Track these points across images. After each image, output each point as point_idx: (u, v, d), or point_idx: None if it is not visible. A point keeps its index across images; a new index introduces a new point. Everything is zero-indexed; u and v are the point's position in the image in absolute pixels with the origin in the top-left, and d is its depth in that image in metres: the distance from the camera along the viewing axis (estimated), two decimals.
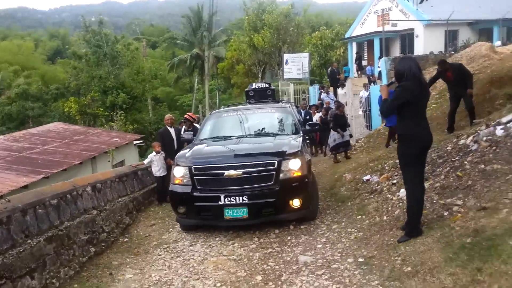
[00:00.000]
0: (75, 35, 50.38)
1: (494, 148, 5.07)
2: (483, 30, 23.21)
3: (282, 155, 5.38)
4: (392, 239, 4.36)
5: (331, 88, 17.61)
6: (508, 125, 5.33)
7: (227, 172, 5.24)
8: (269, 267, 4.41)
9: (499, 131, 5.32)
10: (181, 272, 4.52)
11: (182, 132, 8.17)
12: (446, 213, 4.30)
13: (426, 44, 21.07)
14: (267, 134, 6.46)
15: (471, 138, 5.72)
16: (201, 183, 5.39)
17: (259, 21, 29.85)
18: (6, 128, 28.70)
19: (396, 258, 3.92)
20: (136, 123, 27.09)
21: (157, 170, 7.85)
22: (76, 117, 26.44)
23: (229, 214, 5.22)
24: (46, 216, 4.67)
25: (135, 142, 17.02)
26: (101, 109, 26.39)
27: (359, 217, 5.48)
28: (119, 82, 28.85)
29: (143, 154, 20.39)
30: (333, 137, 10.28)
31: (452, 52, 15.81)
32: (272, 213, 5.34)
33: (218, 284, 4.12)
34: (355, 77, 24.08)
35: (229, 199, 5.18)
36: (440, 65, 8.50)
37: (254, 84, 9.76)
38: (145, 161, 8.21)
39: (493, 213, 3.82)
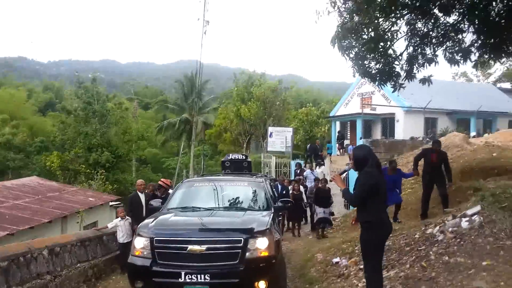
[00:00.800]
0: (68, 89, 51.39)
1: (458, 240, 5.09)
2: (461, 120, 24.33)
3: (250, 232, 5.07)
4: None
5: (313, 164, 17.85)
6: (473, 217, 5.39)
7: (190, 247, 4.87)
8: None
9: (464, 223, 5.37)
10: None
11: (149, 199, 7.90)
12: None
13: (406, 129, 21.89)
14: (238, 208, 6.22)
15: (438, 228, 5.75)
16: (162, 257, 4.97)
17: (247, 93, 31.00)
18: None
19: None
20: (117, 183, 26.71)
21: (121, 236, 7.64)
22: (57, 172, 26.05)
23: None
24: None
25: (111, 203, 16.66)
26: (83, 166, 26.13)
27: None
28: (105, 140, 28.91)
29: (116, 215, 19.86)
30: (317, 211, 10.33)
31: (428, 139, 16.38)
32: None
33: None
34: (337, 155, 24.61)
35: (190, 276, 4.78)
36: (435, 143, 8.76)
37: (231, 154, 9.59)
38: (109, 225, 8.01)
39: None
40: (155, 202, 6.91)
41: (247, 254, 4.95)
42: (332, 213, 11.46)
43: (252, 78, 33.20)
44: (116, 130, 30.42)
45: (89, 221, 13.40)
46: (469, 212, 5.58)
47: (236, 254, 4.93)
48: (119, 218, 7.77)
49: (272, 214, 5.98)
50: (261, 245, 5.06)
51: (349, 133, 26.61)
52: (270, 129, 21.23)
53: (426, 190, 8.71)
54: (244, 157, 9.34)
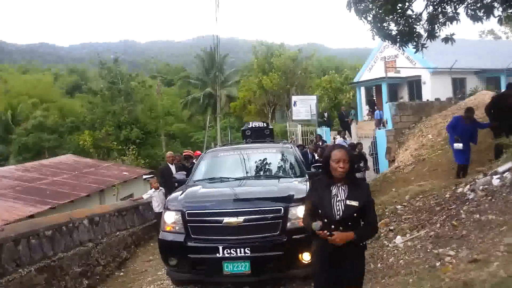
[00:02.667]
0: (92, 71, 52.19)
1: (490, 198, 5.06)
2: (490, 78, 23.43)
3: (289, 201, 4.73)
4: None
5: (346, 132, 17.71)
6: (504, 174, 5.33)
7: (226, 219, 4.56)
8: None
9: (495, 181, 5.32)
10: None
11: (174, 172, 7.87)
12: (438, 264, 4.24)
13: (433, 91, 21.29)
14: (270, 177, 5.86)
15: (468, 186, 5.71)
16: (196, 231, 4.70)
17: (268, 64, 30.70)
18: (22, 158, 29.35)
19: None
20: (148, 158, 27.47)
21: (157, 206, 7.93)
22: (90, 150, 26.95)
23: (228, 269, 4.50)
24: (39, 246, 4.74)
25: (144, 177, 17.18)
26: (115, 143, 26.90)
27: None
28: (133, 117, 29.52)
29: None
30: None
31: (459, 100, 15.91)
32: (279, 268, 4.64)
33: None
34: (364, 121, 24.30)
35: (228, 251, 4.48)
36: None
37: (251, 122, 8.98)
38: (145, 196, 8.32)
39: (484, 266, 3.77)
40: (179, 175, 6.64)
41: (288, 224, 4.63)
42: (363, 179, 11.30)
43: (272, 49, 32.77)
44: (142, 108, 30.94)
45: (125, 193, 13.94)
46: (500, 169, 5.51)
47: (276, 225, 4.62)
48: (153, 189, 8.06)
49: (308, 181, 5.61)
50: (301, 213, 4.64)
51: (375, 98, 26.14)
52: (294, 98, 21.05)
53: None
54: (265, 125, 8.85)
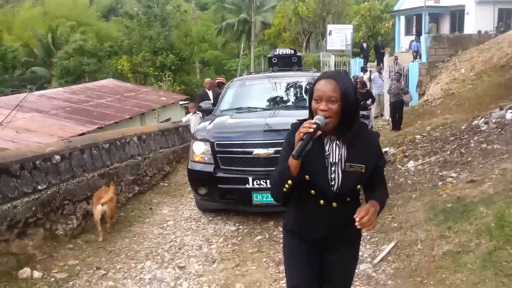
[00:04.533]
0: None
1: (500, 130, 5.49)
2: None
3: None
4: (389, 201, 4.98)
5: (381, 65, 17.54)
6: None
7: (256, 151, 4.52)
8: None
9: (509, 115, 5.69)
10: (209, 212, 5.36)
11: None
12: (440, 183, 4.85)
13: (477, 22, 20.32)
14: (301, 107, 5.47)
15: (483, 119, 6.11)
16: (225, 162, 4.69)
17: None
18: (64, 81, 30.74)
19: (388, 216, 4.56)
20: (183, 85, 28.20)
21: (194, 128, 8.71)
22: (128, 75, 27.89)
23: (258, 199, 4.52)
24: (99, 156, 5.63)
25: (181, 102, 18.11)
26: (151, 68, 27.67)
27: None
28: (168, 43, 29.89)
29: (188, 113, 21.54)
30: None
31: (500, 33, 15.32)
32: None
33: (237, 224, 4.94)
34: (401, 52, 23.74)
35: (258, 182, 4.49)
36: None
37: (278, 49, 8.41)
38: (183, 119, 9.10)
39: (478, 185, 4.35)
40: (205, 104, 6.49)
41: None
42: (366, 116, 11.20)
43: None
44: (178, 33, 31.12)
45: (164, 117, 14.91)
46: None
47: None
48: (191, 113, 8.81)
49: None
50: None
51: (414, 29, 25.19)
52: (330, 27, 20.75)
53: None
54: (293, 52, 8.25)
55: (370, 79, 14.30)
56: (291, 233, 2.11)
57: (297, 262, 2.05)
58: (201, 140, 4.89)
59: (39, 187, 4.37)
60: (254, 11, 35.92)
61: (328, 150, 1.91)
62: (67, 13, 46.26)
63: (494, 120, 5.77)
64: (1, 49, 33.80)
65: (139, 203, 5.92)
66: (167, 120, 15.31)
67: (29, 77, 36.09)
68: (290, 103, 5.84)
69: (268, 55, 8.66)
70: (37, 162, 4.44)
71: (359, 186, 1.95)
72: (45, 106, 11.88)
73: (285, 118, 4.71)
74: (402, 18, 26.07)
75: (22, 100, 9.22)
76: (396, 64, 14.21)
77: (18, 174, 4.15)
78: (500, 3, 19.84)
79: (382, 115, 13.43)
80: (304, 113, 5.03)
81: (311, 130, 1.73)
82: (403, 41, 25.68)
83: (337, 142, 1.91)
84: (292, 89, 6.23)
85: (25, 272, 3.78)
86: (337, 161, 1.90)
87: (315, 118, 1.81)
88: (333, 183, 1.89)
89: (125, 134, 6.52)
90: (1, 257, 3.79)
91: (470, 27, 20.91)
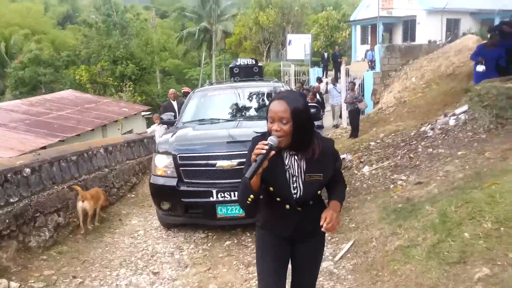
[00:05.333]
0: (87, 2, 50.82)
1: (444, 135, 6.05)
2: (485, 20, 23.62)
3: None
4: (347, 204, 5.38)
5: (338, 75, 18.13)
6: (459, 116, 6.28)
7: (219, 163, 4.48)
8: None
9: (452, 121, 6.27)
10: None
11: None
12: (392, 186, 5.31)
13: (428, 31, 21.59)
14: (263, 117, 4.82)
15: (430, 126, 6.68)
16: (188, 175, 4.63)
17: (265, 0, 30.45)
18: (19, 92, 29.70)
19: (346, 218, 4.94)
20: (144, 95, 28.04)
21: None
22: (86, 85, 27.39)
23: (222, 212, 4.51)
24: (68, 169, 5.72)
25: (142, 113, 18.07)
26: (111, 78, 27.33)
27: None
28: (128, 52, 29.64)
29: (150, 125, 21.45)
30: None
31: (448, 42, 16.41)
32: None
33: (206, 231, 5.16)
34: (357, 61, 24.76)
35: (222, 194, 4.45)
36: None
37: (239, 59, 8.31)
38: (148, 130, 9.24)
39: (425, 186, 4.83)
40: (166, 116, 6.37)
41: None
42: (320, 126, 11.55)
43: None
44: (138, 42, 30.93)
45: (126, 129, 14.86)
46: (457, 111, 6.44)
47: None
48: (156, 124, 8.95)
49: None
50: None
51: (369, 38, 26.37)
52: (289, 36, 21.42)
53: None
54: (254, 62, 8.08)
55: (326, 91, 14.89)
56: (262, 229, 2.31)
57: (269, 255, 2.25)
58: (163, 153, 4.80)
59: (11, 200, 4.44)
60: (215, 20, 36.27)
61: (288, 163, 2.08)
62: (21, 20, 44.66)
63: (439, 126, 6.34)
64: None
65: (108, 214, 6.02)
66: (130, 131, 15.27)
67: None
68: (253, 114, 5.79)
69: (230, 65, 8.58)
70: (8, 175, 4.51)
71: (319, 192, 2.16)
72: (3, 119, 11.60)
73: (249, 130, 4.73)
74: (358, 27, 27.22)
75: None
76: (349, 75, 14.97)
77: None
78: (448, 13, 21.17)
79: (337, 126, 13.99)
80: (265, 124, 5.09)
81: (263, 151, 1.86)
82: (359, 50, 26.82)
83: (295, 156, 2.07)
84: (255, 99, 6.20)
85: (2, 283, 3.86)
86: (297, 174, 2.08)
87: (268, 139, 1.91)
88: (295, 191, 2.09)
89: (92, 146, 6.61)
90: None
91: (421, 36, 22.19)
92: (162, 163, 4.79)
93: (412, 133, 6.96)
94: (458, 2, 20.74)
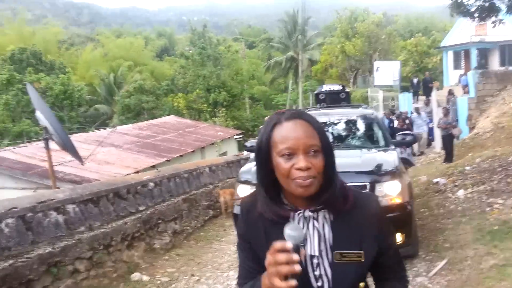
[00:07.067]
0: (181, 36, 55.45)
1: None
2: None
3: (376, 175, 4.24)
4: (441, 226, 5.51)
5: (423, 98, 17.82)
6: None
7: None
8: None
9: None
10: None
11: None
12: (487, 209, 5.35)
13: None
14: (351, 146, 5.30)
15: None
16: None
17: (351, 29, 30.74)
18: (125, 117, 33.16)
19: (440, 238, 5.10)
20: (235, 120, 29.73)
21: None
22: (183, 111, 29.80)
23: None
24: (181, 184, 6.62)
25: (235, 137, 19.33)
26: (205, 105, 29.46)
27: (422, 210, 6.62)
28: (220, 81, 31.76)
29: (241, 148, 22.72)
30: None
31: None
32: None
33: None
34: (451, 86, 23.83)
35: None
36: None
37: (325, 85, 8.01)
38: (244, 152, 10.03)
39: None
40: (251, 143, 6.22)
41: None
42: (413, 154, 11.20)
43: (355, 13, 32.60)
44: (229, 72, 33.00)
45: (220, 151, 16.03)
46: None
47: None
48: None
49: (395, 151, 5.00)
50: (392, 190, 4.21)
51: (463, 64, 25.28)
52: (376, 63, 21.46)
53: None
54: (341, 87, 7.69)
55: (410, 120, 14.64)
56: None
57: None
58: (244, 182, 4.52)
59: (140, 208, 5.35)
60: (301, 49, 37.39)
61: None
62: (125, 53, 49.93)
63: None
64: (69, 88, 37.16)
65: (213, 225, 6.79)
66: (224, 153, 16.41)
67: (92, 114, 39.16)
68: (339, 143, 5.42)
69: (315, 92, 8.20)
70: (138, 187, 5.45)
71: (362, 284, 1.27)
72: (118, 141, 13.30)
73: (344, 159, 4.00)
74: (450, 53, 26.26)
75: (105, 137, 10.61)
76: (453, 97, 14.60)
77: (125, 197, 5.16)
78: None
79: (422, 153, 13.65)
80: (354, 153, 4.85)
81: (296, 269, 1.03)
82: (452, 75, 25.78)
83: (315, 220, 1.23)
84: (341, 127, 5.79)
85: (136, 276, 4.70)
86: (318, 252, 1.23)
87: (285, 233, 1.06)
88: (320, 284, 1.22)
89: (199, 165, 7.52)
90: (117, 263, 4.73)
91: None
92: (244, 193, 4.41)
93: (510, 159, 6.83)
94: None
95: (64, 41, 53.17)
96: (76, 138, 11.12)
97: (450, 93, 15.32)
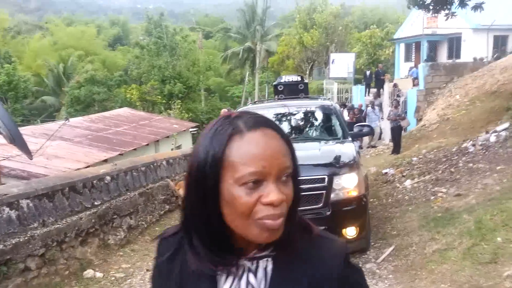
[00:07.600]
0: (135, 24, 53.78)
1: (484, 151, 6.34)
2: None
3: (334, 168, 4.26)
4: (389, 214, 5.79)
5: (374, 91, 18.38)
6: (500, 132, 6.54)
7: None
8: None
9: (492, 137, 6.55)
10: None
11: None
12: (432, 197, 5.67)
13: (474, 49, 21.34)
14: (310, 138, 5.26)
15: (471, 142, 6.96)
16: None
17: (309, 20, 31.13)
18: (74, 109, 31.88)
19: (388, 226, 5.36)
20: (190, 112, 29.31)
21: None
22: (136, 103, 29.02)
23: None
24: (138, 178, 6.50)
25: (190, 130, 19.10)
26: (159, 97, 28.83)
27: (372, 200, 6.90)
28: (176, 72, 31.19)
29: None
30: None
31: (495, 60, 16.28)
32: None
33: None
34: (401, 79, 24.77)
35: None
36: None
37: (283, 76, 7.70)
38: None
39: (463, 198, 5.18)
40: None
41: (332, 195, 4.15)
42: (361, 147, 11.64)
43: (314, 4, 32.99)
44: (186, 63, 32.47)
45: (176, 144, 15.81)
46: (499, 128, 6.71)
47: (319, 196, 4.11)
48: None
49: (353, 143, 5.00)
50: (349, 183, 4.26)
51: (413, 56, 26.32)
52: (332, 55, 21.90)
53: None
54: (300, 78, 7.41)
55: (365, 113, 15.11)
56: None
57: None
58: None
59: (96, 203, 5.22)
60: (259, 40, 37.46)
61: None
62: (75, 42, 47.86)
63: (480, 143, 6.62)
64: (15, 79, 35.18)
65: (169, 219, 6.74)
66: (178, 147, 16.20)
67: (38, 106, 37.38)
68: (298, 136, 5.38)
69: (274, 83, 7.94)
70: (94, 181, 5.31)
71: None
72: (69, 134, 12.77)
73: (303, 152, 4.06)
74: (402, 45, 27.22)
75: (57, 129, 10.16)
76: (398, 90, 15.17)
77: (81, 191, 5.02)
78: (495, 30, 20.90)
79: (374, 146, 14.14)
80: (313, 146, 4.84)
81: None
82: (403, 67, 26.79)
83: (249, 275, 0.84)
84: (299, 119, 5.68)
85: (89, 273, 4.60)
86: None
87: None
88: None
89: (157, 158, 7.41)
90: (70, 260, 4.61)
91: (467, 53, 21.93)
92: None
93: (454, 149, 7.25)
94: (507, 19, 20.41)
95: (10, 29, 50.28)
96: (23, 131, 10.56)
97: (395, 86, 15.96)
